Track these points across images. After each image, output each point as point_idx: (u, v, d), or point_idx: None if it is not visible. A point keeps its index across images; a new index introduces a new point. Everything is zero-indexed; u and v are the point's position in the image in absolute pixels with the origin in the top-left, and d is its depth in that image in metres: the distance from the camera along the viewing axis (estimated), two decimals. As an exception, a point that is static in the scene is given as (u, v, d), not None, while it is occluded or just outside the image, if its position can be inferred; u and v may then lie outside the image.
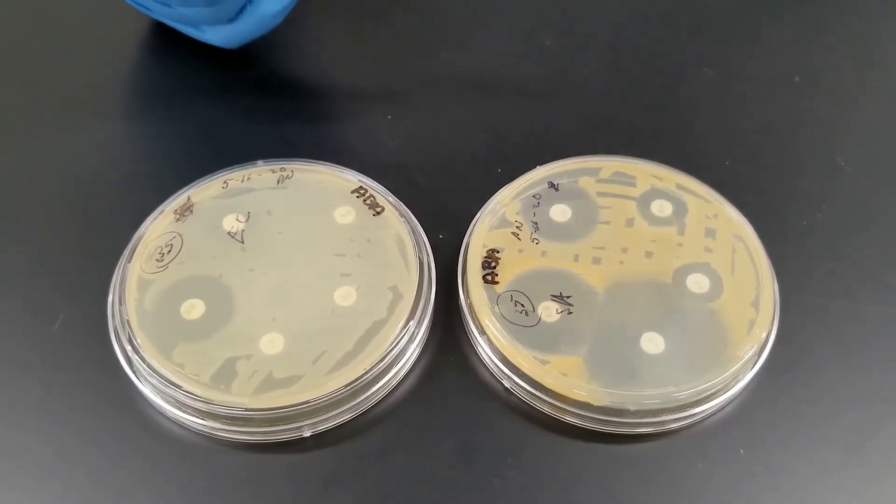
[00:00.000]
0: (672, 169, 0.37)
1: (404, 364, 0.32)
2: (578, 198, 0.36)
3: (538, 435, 0.31)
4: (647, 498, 0.30)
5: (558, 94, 0.43)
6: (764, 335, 0.32)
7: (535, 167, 0.38)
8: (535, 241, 0.35)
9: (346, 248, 0.35)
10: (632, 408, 0.31)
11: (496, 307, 0.33)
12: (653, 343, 0.32)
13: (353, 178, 0.37)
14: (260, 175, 0.37)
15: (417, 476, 0.30)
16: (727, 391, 0.32)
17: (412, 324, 0.33)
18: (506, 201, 0.36)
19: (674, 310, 0.33)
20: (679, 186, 0.37)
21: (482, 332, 0.33)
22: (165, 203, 0.36)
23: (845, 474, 0.31)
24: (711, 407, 0.31)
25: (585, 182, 0.37)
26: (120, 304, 0.33)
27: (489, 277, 0.34)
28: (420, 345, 0.33)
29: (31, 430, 0.31)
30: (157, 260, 0.34)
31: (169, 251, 0.34)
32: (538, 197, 0.37)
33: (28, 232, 0.37)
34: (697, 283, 0.34)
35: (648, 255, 0.35)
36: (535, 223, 0.36)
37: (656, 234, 0.35)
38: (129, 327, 0.32)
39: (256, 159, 0.37)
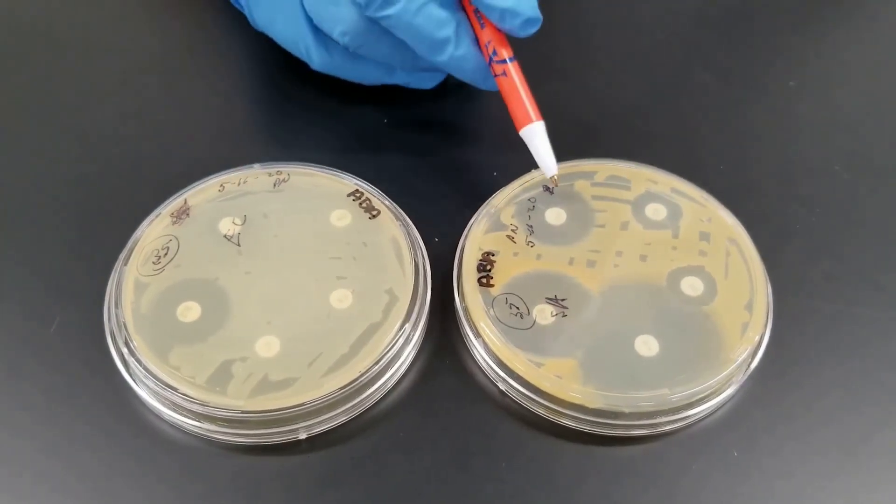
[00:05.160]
0: (667, 172, 0.38)
1: (400, 367, 0.33)
2: (573, 201, 0.37)
3: (533, 437, 0.32)
4: (641, 500, 0.30)
5: (554, 98, 0.43)
6: (757, 338, 0.33)
7: (530, 171, 0.38)
8: (531, 245, 0.35)
9: (341, 251, 0.35)
10: (626, 410, 0.31)
11: (491, 310, 0.33)
12: (647, 346, 0.32)
13: (349, 182, 0.37)
14: (256, 178, 0.37)
15: (412, 479, 0.30)
16: (721, 394, 0.32)
17: (407, 326, 0.33)
18: (501, 205, 0.36)
19: (668, 313, 0.33)
20: (673, 190, 0.37)
21: (477, 334, 0.33)
22: (162, 206, 0.36)
23: (839, 477, 0.31)
24: (705, 409, 0.32)
25: (580, 185, 0.37)
26: (116, 306, 0.33)
27: (484, 280, 0.34)
28: (415, 347, 0.33)
29: (27, 433, 0.31)
30: (153, 263, 0.34)
31: (165, 254, 0.34)
32: (533, 200, 0.37)
33: (24, 235, 0.37)
34: (691, 286, 0.34)
35: (643, 258, 0.35)
36: (531, 226, 0.36)
37: (651, 237, 0.35)
38: (126, 330, 0.32)
39: (253, 162, 0.38)
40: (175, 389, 0.31)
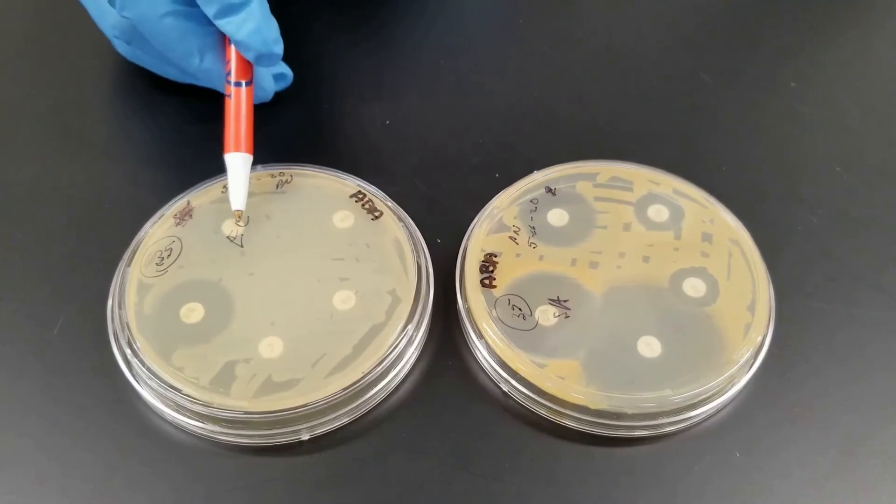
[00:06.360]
0: (669, 174, 0.38)
1: (402, 368, 0.33)
2: (576, 202, 0.37)
3: (536, 438, 0.32)
4: (643, 501, 0.30)
5: (556, 100, 0.43)
6: (759, 339, 0.33)
7: (532, 172, 0.38)
8: (533, 246, 0.35)
9: (344, 252, 0.35)
10: (629, 411, 0.31)
11: (494, 311, 0.33)
12: (649, 347, 0.32)
13: (351, 183, 0.37)
14: (259, 180, 0.37)
15: (415, 479, 0.30)
16: (723, 395, 0.32)
17: (410, 327, 0.33)
18: (503, 206, 0.36)
19: (670, 314, 0.33)
20: (676, 191, 0.37)
21: (480, 335, 0.33)
22: (165, 207, 0.36)
23: (840, 478, 0.31)
24: (707, 410, 0.32)
25: (583, 187, 0.37)
26: (119, 308, 0.33)
27: (487, 281, 0.34)
28: (418, 349, 0.33)
29: (31, 434, 0.31)
30: (156, 264, 0.34)
31: (168, 255, 0.34)
32: (536, 201, 0.37)
33: (28, 236, 0.37)
34: (694, 287, 0.34)
35: (645, 259, 0.35)
36: (533, 227, 0.36)
37: (653, 238, 0.35)
38: (129, 331, 0.32)
39: (255, 164, 0.38)
40: (178, 390, 0.31)
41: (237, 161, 0.35)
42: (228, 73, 0.36)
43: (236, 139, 0.35)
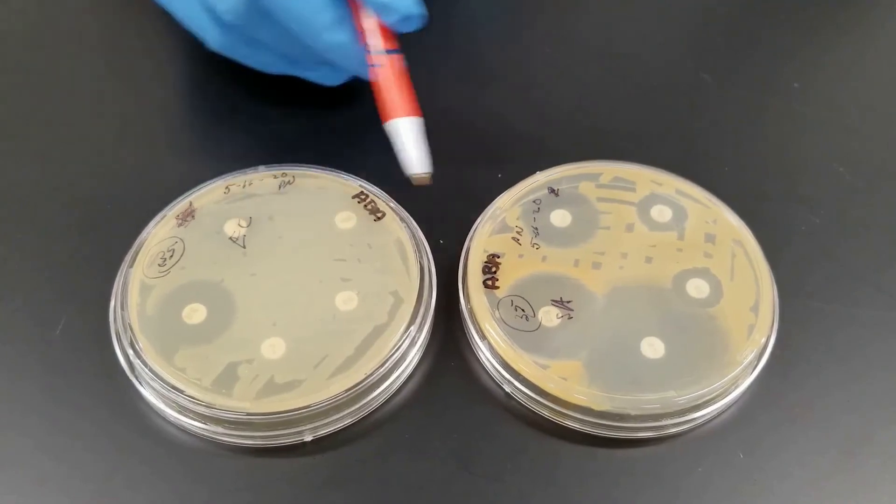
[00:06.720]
0: (672, 174, 0.38)
1: (405, 369, 0.33)
2: (578, 203, 0.37)
3: (538, 439, 0.32)
4: (644, 501, 0.30)
5: (558, 100, 0.43)
6: (763, 340, 0.33)
7: (535, 173, 0.38)
8: (536, 247, 0.35)
9: (346, 252, 0.35)
10: (632, 412, 0.31)
11: (497, 312, 0.33)
12: (653, 348, 0.32)
13: (353, 184, 0.37)
14: (261, 180, 0.37)
15: (417, 480, 0.30)
16: (726, 396, 0.32)
17: (413, 328, 0.33)
18: (506, 206, 0.36)
19: (673, 315, 0.33)
20: (679, 192, 0.37)
21: (483, 336, 0.33)
22: (167, 208, 0.36)
23: (840, 478, 0.31)
24: (711, 411, 0.32)
25: (585, 187, 0.37)
26: (122, 308, 0.33)
27: (490, 282, 0.34)
28: (421, 349, 0.33)
29: (31, 434, 0.31)
30: (158, 265, 0.34)
31: (171, 256, 0.34)
32: (538, 202, 0.37)
33: (30, 237, 0.37)
34: (697, 288, 0.34)
35: (648, 260, 0.35)
36: (536, 228, 0.36)
37: (656, 239, 0.35)
38: (131, 332, 0.32)
39: (258, 165, 0.38)
40: (181, 391, 0.31)
41: (406, 125, 0.35)
42: (368, 46, 0.35)
43: (402, 104, 0.35)
